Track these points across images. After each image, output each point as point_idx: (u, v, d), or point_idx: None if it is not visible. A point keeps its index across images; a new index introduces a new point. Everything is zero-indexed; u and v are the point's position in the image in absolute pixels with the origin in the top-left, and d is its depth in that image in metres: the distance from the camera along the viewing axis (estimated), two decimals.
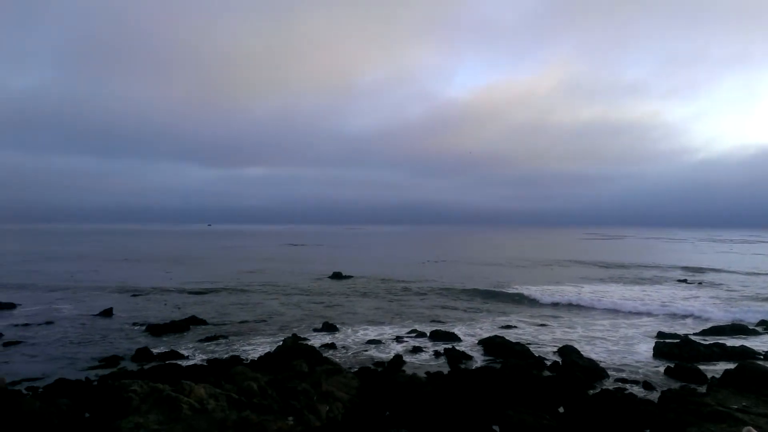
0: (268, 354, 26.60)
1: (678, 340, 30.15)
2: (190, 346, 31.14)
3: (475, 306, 46.48)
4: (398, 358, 27.28)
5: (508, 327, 36.69)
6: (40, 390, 22.01)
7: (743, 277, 70.91)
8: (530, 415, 17.01)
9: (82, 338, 33.03)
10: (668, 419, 16.96)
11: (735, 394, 19.12)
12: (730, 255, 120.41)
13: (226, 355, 28.39)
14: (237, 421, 15.15)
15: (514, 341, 29.97)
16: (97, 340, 32.49)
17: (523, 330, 36.07)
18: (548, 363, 26.49)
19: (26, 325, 36.88)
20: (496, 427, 16.87)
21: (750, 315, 40.32)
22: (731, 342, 30.64)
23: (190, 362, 26.99)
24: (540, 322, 38.84)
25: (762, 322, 37.82)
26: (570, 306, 45.76)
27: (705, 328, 36.28)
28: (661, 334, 33.96)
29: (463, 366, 26.15)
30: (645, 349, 30.28)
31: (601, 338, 33.51)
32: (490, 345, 29.84)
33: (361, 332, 34.97)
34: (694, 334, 34.19)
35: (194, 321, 37.41)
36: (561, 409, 19.06)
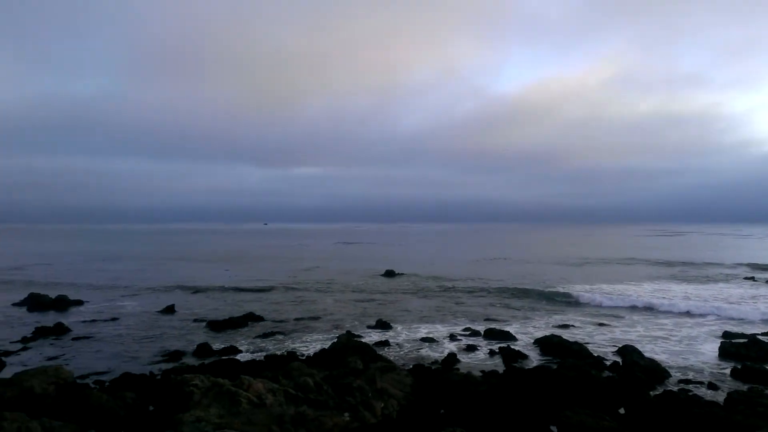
0: (323, 350, 26.97)
1: (745, 340, 28.84)
2: (248, 342, 31.90)
3: (530, 305, 45.74)
4: (452, 356, 27.18)
5: (565, 326, 35.94)
6: (107, 384, 22.99)
7: None
8: (589, 415, 16.63)
9: (146, 334, 34.33)
10: (735, 421, 16.26)
11: None
12: None
13: (282, 351, 28.94)
14: (294, 416, 15.42)
15: (571, 341, 29.37)
16: (159, 336, 33.70)
17: (581, 329, 35.28)
18: (608, 363, 25.85)
19: (93, 321, 38.58)
20: (553, 428, 16.58)
21: None
22: None
23: (248, 358, 27.67)
24: (598, 321, 37.89)
25: None
26: (629, 305, 44.42)
27: None
28: (727, 334, 32.59)
29: (518, 365, 25.81)
30: (710, 349, 29.14)
31: (663, 338, 32.43)
32: (547, 344, 29.33)
33: (415, 330, 34.99)
34: (763, 333, 32.62)
35: (252, 317, 38.30)
36: (621, 410, 18.57)
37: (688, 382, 23.07)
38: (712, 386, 22.11)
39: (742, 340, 29.07)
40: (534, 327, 36.09)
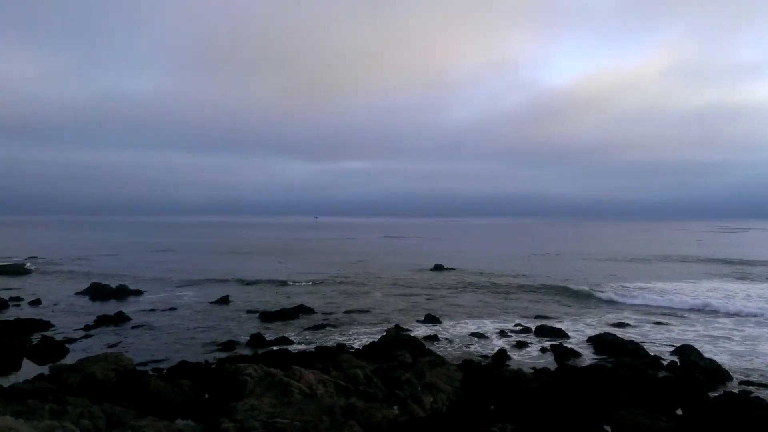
0: (372, 343, 27.14)
1: None
2: (299, 333, 32.43)
3: (583, 302, 44.78)
4: (502, 352, 26.91)
5: (620, 324, 35.02)
6: (165, 371, 23.79)
7: None
8: (645, 416, 16.20)
9: (201, 323, 35.33)
10: None
11: None
12: None
13: (332, 343, 29.30)
14: (344, 407, 15.60)
15: (626, 339, 28.64)
16: (214, 326, 34.62)
17: (636, 328, 34.33)
18: (664, 363, 25.08)
19: (151, 310, 39.95)
20: (607, 428, 16.23)
21: None
22: None
23: (299, 349, 28.13)
24: (654, 320, 36.76)
25: None
26: (687, 304, 42.92)
27: None
28: None
29: (571, 363, 25.34)
30: None
31: (724, 338, 31.22)
32: (601, 342, 28.69)
33: (464, 325, 34.80)
34: None
35: (303, 309, 38.90)
36: (679, 412, 18.01)
37: (749, 384, 22.16)
38: None
39: None
40: (587, 324, 35.33)
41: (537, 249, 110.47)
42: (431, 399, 17.57)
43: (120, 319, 35.70)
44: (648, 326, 34.89)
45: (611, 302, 44.35)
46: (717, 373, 22.93)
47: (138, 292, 48.00)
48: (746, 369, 24.64)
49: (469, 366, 23.28)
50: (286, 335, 31.19)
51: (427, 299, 45.76)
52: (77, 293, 47.82)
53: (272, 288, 52.60)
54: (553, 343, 29.18)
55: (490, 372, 21.92)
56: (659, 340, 30.69)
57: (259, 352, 26.77)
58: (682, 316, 38.14)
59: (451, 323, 35.35)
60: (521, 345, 29.30)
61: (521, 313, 39.51)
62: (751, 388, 21.55)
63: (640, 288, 50.77)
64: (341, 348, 27.54)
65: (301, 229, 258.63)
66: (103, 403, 17.28)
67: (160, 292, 49.48)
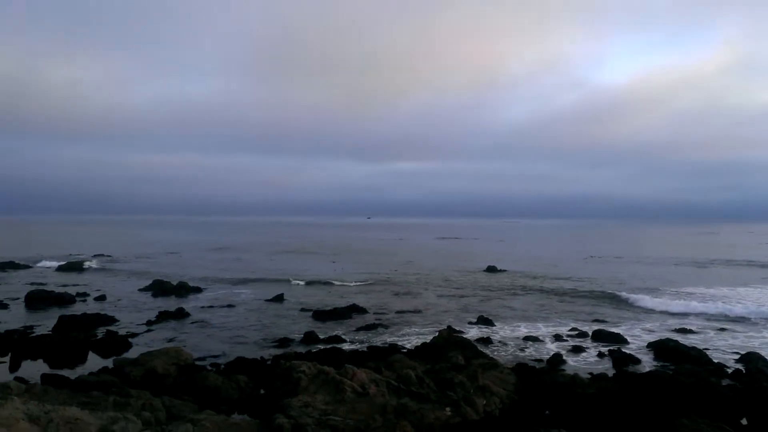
0: (424, 344, 27.07)
1: None
2: (352, 332, 32.68)
3: (642, 306, 43.32)
4: (558, 356, 26.37)
5: (682, 330, 33.73)
6: (222, 366, 24.43)
7: None
8: (708, 425, 15.55)
9: (257, 321, 36.10)
10: None
11: None
12: None
13: (384, 343, 29.41)
14: (397, 407, 15.62)
15: (688, 345, 27.58)
16: (269, 323, 35.31)
17: (699, 334, 32.99)
18: (729, 371, 23.99)
19: (210, 307, 41.10)
20: None
21: None
22: None
23: (352, 348, 28.35)
24: (718, 326, 35.25)
25: None
26: (754, 310, 40.92)
27: None
28: None
29: (629, 369, 24.59)
30: None
31: None
32: (661, 348, 27.72)
33: (517, 328, 34.27)
34: None
35: (355, 309, 39.19)
36: (744, 422, 17.22)
37: None
38: None
39: None
40: (646, 330, 34.20)
41: (594, 251, 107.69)
42: (484, 402, 17.39)
43: (180, 315, 36.89)
44: (711, 333, 33.48)
45: (672, 307, 42.73)
46: None
47: (197, 289, 49.45)
48: None
49: (523, 369, 22.92)
50: (338, 334, 31.52)
51: (480, 301, 45.31)
52: (140, 290, 49.70)
53: (326, 287, 53.23)
54: (611, 348, 28.37)
55: (544, 376, 21.52)
56: (723, 347, 29.40)
57: (313, 349, 27.13)
58: (748, 323, 36.42)
59: (505, 326, 34.89)
60: (577, 349, 28.62)
61: (577, 316, 38.61)
62: None
63: (703, 293, 48.80)
64: (393, 348, 27.61)
65: (354, 229, 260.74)
66: (164, 396, 17.89)
67: (218, 289, 50.87)
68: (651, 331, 33.88)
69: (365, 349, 27.55)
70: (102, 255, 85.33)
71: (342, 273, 64.94)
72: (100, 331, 31.77)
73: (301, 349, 27.83)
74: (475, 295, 48.61)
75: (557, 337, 31.46)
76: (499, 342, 30.33)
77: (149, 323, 34.81)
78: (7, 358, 26.00)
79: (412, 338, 31.02)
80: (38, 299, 41.47)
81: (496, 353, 27.10)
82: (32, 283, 51.58)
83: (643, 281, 58.11)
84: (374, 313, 38.75)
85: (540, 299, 46.66)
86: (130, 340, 30.01)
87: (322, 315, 37.25)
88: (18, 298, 42.66)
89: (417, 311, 39.82)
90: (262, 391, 20.23)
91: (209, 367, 23.97)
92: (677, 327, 34.64)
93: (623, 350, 27.77)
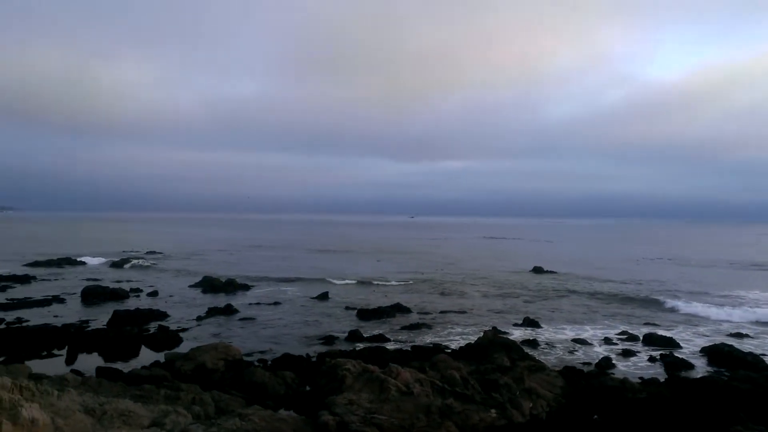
0: (468, 345, 26.88)
1: None
2: (395, 331, 32.69)
3: (695, 310, 41.84)
4: (607, 360, 25.80)
5: (737, 335, 32.47)
6: (269, 362, 24.84)
7: None
8: None
9: (303, 318, 36.54)
10: None
11: None
12: None
13: (428, 343, 29.33)
14: (441, 407, 15.54)
15: (744, 351, 26.56)
16: (314, 321, 35.69)
17: (756, 339, 31.71)
18: None
19: (257, 304, 41.82)
20: None
21: None
22: None
23: (396, 347, 28.37)
24: None
25: None
26: None
27: None
28: None
29: (682, 374, 23.81)
30: None
31: None
32: (715, 353, 26.77)
33: (565, 330, 33.64)
34: None
35: (399, 308, 39.20)
36: None
37: None
38: None
39: None
40: (700, 334, 33.08)
41: (644, 253, 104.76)
42: (530, 404, 17.14)
43: (229, 311, 37.66)
44: None
45: (727, 311, 41.14)
46: None
47: (245, 287, 50.37)
48: None
49: (570, 373, 22.51)
50: (382, 333, 31.60)
51: (526, 302, 44.67)
52: (190, 286, 50.96)
53: (370, 286, 53.45)
54: (663, 352, 27.56)
55: (593, 380, 21.08)
56: None
57: (357, 348, 27.30)
58: None
59: (551, 328, 34.30)
60: (627, 353, 27.90)
61: (627, 320, 37.62)
62: None
63: (757, 297, 46.85)
64: (437, 348, 27.51)
65: (397, 228, 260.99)
66: (213, 390, 18.30)
67: (265, 286, 51.72)
68: (704, 335, 32.78)
69: (409, 349, 27.53)
70: (154, 252, 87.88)
71: (386, 272, 65.06)
72: (153, 326, 32.74)
73: (346, 347, 28.03)
74: (521, 296, 47.95)
75: (606, 341, 30.75)
76: (546, 344, 29.84)
77: (199, 319, 35.66)
78: (63, 351, 27.07)
79: (456, 339, 30.85)
80: (93, 294, 43.03)
81: (542, 356, 26.68)
82: (88, 279, 53.60)
83: (695, 284, 56.20)
84: (418, 313, 38.69)
85: (588, 301, 45.67)
86: (180, 334, 30.82)
87: (366, 314, 37.41)
88: (74, 293, 44.35)
89: (461, 311, 39.55)
90: (307, 388, 20.45)
91: (256, 363, 24.40)
92: (732, 332, 33.40)
93: (675, 355, 26.96)
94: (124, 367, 23.34)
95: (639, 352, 28.35)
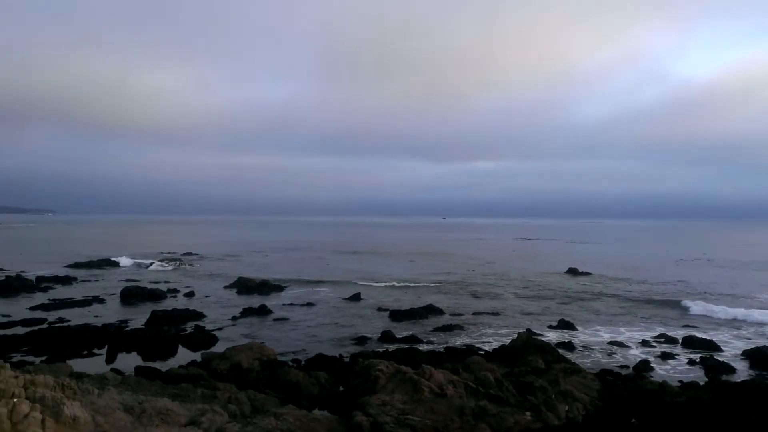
0: (502, 347, 26.64)
1: None
2: (428, 332, 32.61)
3: (737, 312, 40.61)
4: (645, 363, 25.27)
5: None
6: (303, 362, 25.04)
7: None
8: None
9: (336, 319, 36.73)
10: None
11: None
12: None
13: (461, 344, 29.18)
14: (475, 409, 15.44)
15: None
16: (347, 322, 35.85)
17: None
18: None
19: (291, 304, 42.20)
20: None
21: None
22: None
23: (428, 348, 28.29)
24: None
25: None
26: None
27: None
28: None
29: (723, 378, 23.19)
30: None
31: None
32: (758, 356, 26.00)
33: (601, 332, 33.08)
34: None
35: (432, 309, 39.08)
36: None
37: None
38: None
39: None
40: (741, 337, 32.15)
41: (683, 254, 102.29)
42: (566, 407, 16.89)
43: (263, 311, 38.10)
44: None
45: None
46: None
47: (279, 287, 50.88)
48: None
49: (607, 375, 22.13)
50: (415, 334, 31.54)
51: (560, 304, 44.06)
52: (225, 287, 51.74)
53: (402, 287, 53.40)
54: (703, 355, 26.85)
55: (630, 383, 20.67)
56: None
57: (390, 349, 27.30)
58: None
59: (587, 330, 33.76)
60: (666, 356, 27.28)
61: (665, 322, 36.81)
62: None
63: None
64: (470, 350, 27.34)
65: (429, 229, 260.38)
66: (248, 389, 18.53)
67: (298, 288, 52.16)
68: (746, 338, 31.88)
69: (442, 350, 27.44)
70: (190, 253, 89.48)
71: (418, 273, 64.96)
72: (189, 326, 33.34)
73: (379, 348, 28.08)
74: (555, 297, 47.31)
75: (644, 343, 30.14)
76: (582, 346, 29.38)
77: (234, 319, 36.17)
78: (104, 351, 27.76)
79: (489, 340, 30.62)
80: (132, 295, 44.04)
81: (578, 358, 26.27)
82: (126, 280, 54.87)
83: (736, 286, 54.67)
84: (451, 314, 38.52)
85: (624, 303, 44.81)
86: (216, 334, 31.32)
87: (398, 315, 37.39)
88: (114, 294, 45.45)
89: (495, 313, 39.24)
90: (341, 388, 20.55)
91: (290, 363, 24.62)
92: None
93: (716, 358, 26.25)
94: (162, 366, 23.81)
95: (678, 355, 27.71)
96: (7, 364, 14.00)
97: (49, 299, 42.45)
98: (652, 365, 25.28)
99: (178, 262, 73.78)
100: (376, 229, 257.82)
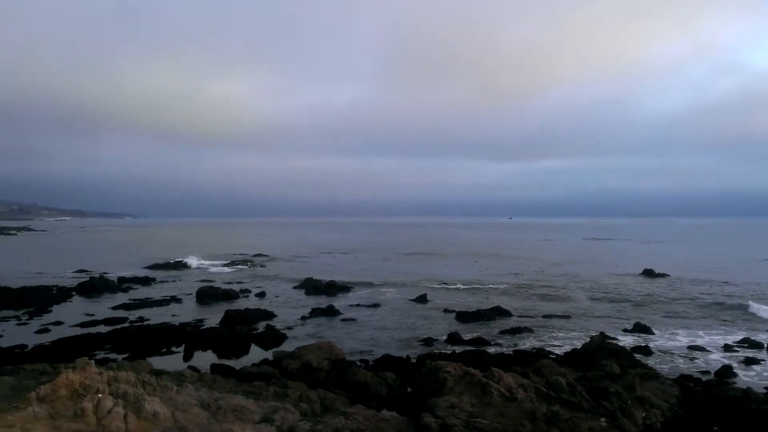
0: (574, 350, 25.98)
1: None
2: (495, 334, 32.16)
3: None
4: (727, 368, 24.03)
5: None
6: (371, 363, 25.23)
7: None
8: None
9: (402, 320, 36.81)
10: None
11: None
12: None
13: (530, 347, 28.62)
14: (547, 414, 15.12)
15: None
16: (413, 323, 35.85)
17: None
18: None
19: (358, 305, 42.62)
20: None
21: None
22: None
23: (496, 350, 27.90)
24: None
25: None
26: None
27: None
28: None
29: None
30: None
31: None
32: None
33: (679, 336, 31.67)
34: None
35: (499, 311, 38.52)
36: None
37: None
38: None
39: None
40: None
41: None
42: (643, 414, 16.29)
43: (331, 312, 38.69)
44: None
45: None
46: None
47: (346, 288, 51.51)
48: None
49: (687, 381, 21.17)
50: (482, 336, 31.17)
51: (636, 306, 42.45)
52: (294, 287, 52.88)
53: (468, 288, 52.91)
54: None
55: (712, 389, 19.71)
56: None
57: (457, 350, 27.11)
58: None
59: (664, 334, 32.39)
60: (750, 362, 25.82)
61: (748, 325, 34.83)
62: None
63: None
64: (540, 353, 26.76)
65: (495, 229, 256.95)
66: (318, 388, 18.87)
67: (364, 288, 52.63)
68: None
69: (511, 353, 27.01)
70: (261, 255, 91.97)
71: (485, 275, 64.22)
72: (261, 325, 34.26)
73: (445, 349, 27.94)
74: (630, 300, 45.61)
75: (726, 348, 28.64)
76: (659, 351, 28.23)
77: (303, 319, 36.92)
78: (181, 349, 28.92)
79: (560, 344, 29.88)
80: (207, 295, 45.72)
81: (655, 363, 25.25)
82: (201, 281, 57.03)
83: None
84: (519, 316, 37.85)
85: (705, 306, 42.67)
86: (286, 334, 32.06)
87: (465, 316, 37.08)
88: (190, 294, 47.31)
89: (565, 316, 38.23)
90: (408, 389, 20.58)
91: (358, 363, 24.85)
92: None
93: None
94: (235, 364, 24.58)
95: (763, 360, 26.17)
96: (92, 362, 14.83)
97: (129, 299, 44.71)
98: (735, 371, 24.01)
99: (249, 264, 76.04)
100: (441, 230, 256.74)
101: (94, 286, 49.96)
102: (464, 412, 15.62)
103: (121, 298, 45.84)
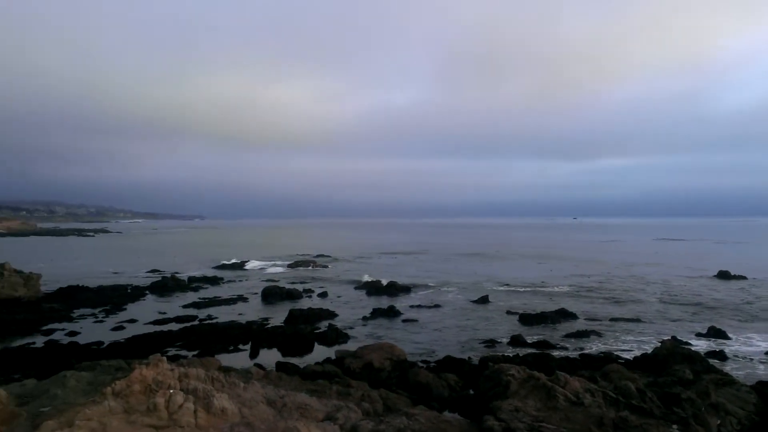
0: (644, 355, 25.07)
1: None
2: (560, 337, 31.45)
3: None
4: None
5: None
6: (432, 364, 25.18)
7: None
8: None
9: (463, 321, 36.54)
10: None
11: None
12: None
13: (597, 351, 27.83)
14: (615, 420, 14.66)
15: None
16: (475, 324, 35.52)
17: None
18: None
19: (419, 306, 42.58)
20: None
21: None
22: None
23: (561, 354, 27.27)
24: None
25: None
26: None
27: None
28: None
29: None
30: None
31: None
32: None
33: (757, 341, 30.08)
34: None
35: (564, 314, 37.63)
36: None
37: None
38: None
39: None
40: None
41: None
42: (718, 421, 15.54)
43: (392, 312, 38.84)
44: None
45: None
46: None
47: (406, 289, 51.59)
48: None
49: (765, 389, 20.03)
50: (546, 339, 30.55)
51: (710, 309, 40.56)
52: (356, 288, 53.41)
53: (532, 290, 51.93)
54: None
55: None
56: None
57: (520, 353, 26.68)
58: None
59: (741, 338, 30.82)
60: None
61: None
62: None
63: None
64: (608, 357, 26.00)
65: (560, 230, 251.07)
66: (380, 388, 18.99)
67: (425, 289, 52.54)
68: None
69: (577, 357, 26.35)
70: (323, 255, 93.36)
71: (549, 276, 62.87)
72: (323, 325, 34.79)
73: (508, 352, 27.55)
74: (703, 303, 43.62)
75: None
76: (735, 356, 26.89)
77: (364, 319, 37.23)
78: (248, 346, 29.71)
79: (629, 348, 28.91)
80: (272, 294, 46.82)
81: (731, 369, 24.08)
82: (267, 280, 58.45)
83: None
84: (585, 319, 36.86)
85: None
86: (348, 333, 32.42)
87: (528, 319, 36.41)
88: (255, 293, 48.57)
89: (634, 319, 36.92)
90: (470, 391, 20.42)
91: (420, 364, 24.85)
92: None
93: None
94: (299, 362, 25.06)
95: None
96: (164, 358, 15.43)
97: (199, 298, 46.33)
98: None
99: (312, 264, 77.33)
100: (505, 230, 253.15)
101: (166, 286, 52.06)
102: (528, 416, 15.34)
103: (191, 297, 47.56)
